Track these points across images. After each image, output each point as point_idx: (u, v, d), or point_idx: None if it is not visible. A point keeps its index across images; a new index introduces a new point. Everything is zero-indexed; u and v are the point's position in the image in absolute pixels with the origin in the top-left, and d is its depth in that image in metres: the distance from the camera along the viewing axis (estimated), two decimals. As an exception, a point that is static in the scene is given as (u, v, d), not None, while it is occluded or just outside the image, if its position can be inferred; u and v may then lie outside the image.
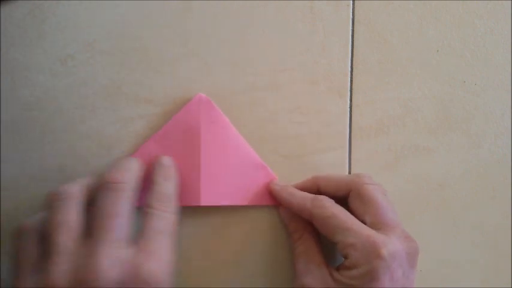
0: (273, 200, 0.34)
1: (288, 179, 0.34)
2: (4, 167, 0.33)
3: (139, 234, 0.27)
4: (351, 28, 0.35)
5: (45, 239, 0.26)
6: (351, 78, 0.35)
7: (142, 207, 0.29)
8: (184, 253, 0.34)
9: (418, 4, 0.35)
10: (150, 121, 0.33)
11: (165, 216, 0.28)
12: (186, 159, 0.33)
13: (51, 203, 0.26)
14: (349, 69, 0.35)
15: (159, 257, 0.26)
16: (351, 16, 0.35)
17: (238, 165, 0.33)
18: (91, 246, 0.25)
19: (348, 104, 0.35)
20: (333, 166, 0.35)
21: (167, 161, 0.31)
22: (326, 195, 0.32)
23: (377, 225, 0.30)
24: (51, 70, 0.33)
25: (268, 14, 0.34)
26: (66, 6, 0.33)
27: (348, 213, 0.30)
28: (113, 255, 0.25)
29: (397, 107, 0.35)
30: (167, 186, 0.30)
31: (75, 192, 0.27)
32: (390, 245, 0.29)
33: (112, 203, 0.26)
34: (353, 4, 0.35)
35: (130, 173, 0.28)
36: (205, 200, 0.33)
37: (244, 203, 0.34)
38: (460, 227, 0.36)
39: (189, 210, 0.33)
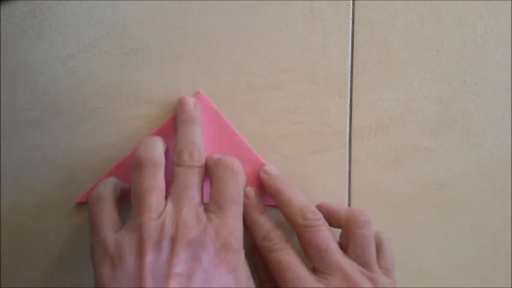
0: (273, 200, 0.33)
1: (288, 179, 0.34)
2: (4, 167, 0.33)
3: (212, 200, 0.30)
4: (351, 28, 0.35)
5: (134, 200, 0.29)
6: (351, 78, 0.35)
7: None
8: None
9: (418, 4, 0.35)
10: (150, 121, 0.33)
11: (233, 182, 0.30)
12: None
13: (141, 169, 0.29)
14: (349, 69, 0.35)
15: (231, 222, 0.29)
16: (351, 16, 0.35)
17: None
18: (177, 209, 0.28)
19: (348, 104, 0.35)
20: (333, 166, 0.35)
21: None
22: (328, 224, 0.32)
23: (318, 269, 0.30)
24: (51, 70, 0.33)
25: (268, 14, 0.34)
26: (66, 6, 0.33)
27: (294, 260, 0.30)
28: (196, 216, 0.28)
29: (397, 107, 0.35)
30: (231, 159, 0.31)
31: (160, 159, 0.30)
32: None
33: (188, 175, 0.30)
34: (353, 4, 0.35)
35: (201, 149, 0.31)
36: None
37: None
38: (460, 227, 0.36)
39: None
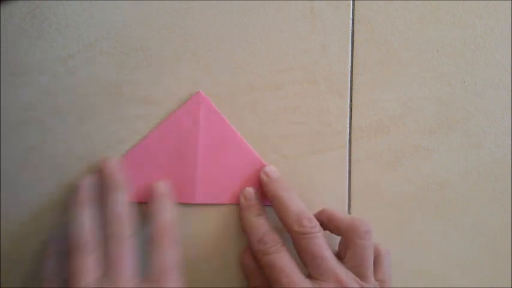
0: None
1: (288, 179, 0.34)
2: (4, 167, 0.33)
3: (150, 270, 0.29)
4: (351, 28, 0.35)
5: (69, 278, 0.29)
6: (351, 78, 0.35)
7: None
8: (183, 252, 0.34)
9: (418, 4, 0.35)
10: (150, 121, 0.33)
11: (167, 252, 0.30)
12: (183, 156, 0.33)
13: (72, 251, 0.29)
14: (349, 69, 0.35)
15: None
16: (351, 16, 0.35)
17: (236, 164, 0.33)
18: (111, 283, 0.28)
19: (348, 104, 0.35)
20: (333, 166, 0.35)
21: (162, 188, 0.32)
22: (328, 230, 0.32)
23: (312, 275, 0.30)
24: (51, 70, 0.33)
25: (268, 14, 0.34)
26: (66, 6, 0.33)
27: (288, 264, 0.30)
28: None
29: (397, 107, 0.35)
30: (164, 218, 0.31)
31: (89, 240, 0.30)
32: None
33: (117, 248, 0.29)
34: (353, 4, 0.35)
35: (128, 218, 0.30)
36: (201, 198, 0.33)
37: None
38: (460, 227, 0.36)
39: (188, 209, 0.33)
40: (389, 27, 0.35)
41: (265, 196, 0.33)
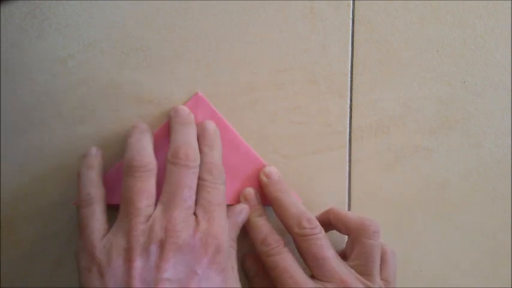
0: None
1: (288, 179, 0.34)
2: (4, 167, 0.33)
3: (197, 205, 0.29)
4: (351, 28, 0.35)
5: (123, 203, 0.29)
6: (351, 78, 0.35)
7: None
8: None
9: (418, 4, 0.35)
10: (150, 121, 0.33)
11: (216, 187, 0.30)
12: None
13: (132, 173, 0.29)
14: (349, 69, 0.35)
15: (218, 224, 0.29)
16: (351, 16, 0.35)
17: (237, 164, 0.33)
18: (167, 211, 0.28)
19: (348, 104, 0.35)
20: (333, 166, 0.35)
21: (211, 127, 0.32)
22: (336, 229, 0.32)
23: (316, 276, 0.30)
24: (51, 70, 0.33)
25: (268, 14, 0.34)
26: (66, 6, 0.33)
27: (291, 264, 0.30)
28: (186, 219, 0.28)
29: (397, 107, 0.35)
30: (213, 155, 0.31)
31: (152, 164, 0.29)
32: None
33: (182, 176, 0.29)
34: (353, 4, 0.35)
35: (195, 153, 0.30)
36: None
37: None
38: (460, 227, 0.36)
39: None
40: (389, 27, 0.35)
41: (266, 197, 0.33)
